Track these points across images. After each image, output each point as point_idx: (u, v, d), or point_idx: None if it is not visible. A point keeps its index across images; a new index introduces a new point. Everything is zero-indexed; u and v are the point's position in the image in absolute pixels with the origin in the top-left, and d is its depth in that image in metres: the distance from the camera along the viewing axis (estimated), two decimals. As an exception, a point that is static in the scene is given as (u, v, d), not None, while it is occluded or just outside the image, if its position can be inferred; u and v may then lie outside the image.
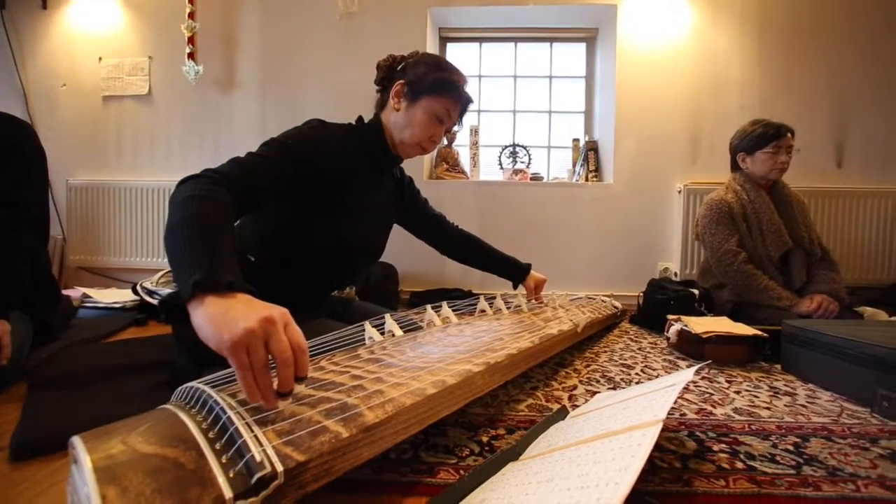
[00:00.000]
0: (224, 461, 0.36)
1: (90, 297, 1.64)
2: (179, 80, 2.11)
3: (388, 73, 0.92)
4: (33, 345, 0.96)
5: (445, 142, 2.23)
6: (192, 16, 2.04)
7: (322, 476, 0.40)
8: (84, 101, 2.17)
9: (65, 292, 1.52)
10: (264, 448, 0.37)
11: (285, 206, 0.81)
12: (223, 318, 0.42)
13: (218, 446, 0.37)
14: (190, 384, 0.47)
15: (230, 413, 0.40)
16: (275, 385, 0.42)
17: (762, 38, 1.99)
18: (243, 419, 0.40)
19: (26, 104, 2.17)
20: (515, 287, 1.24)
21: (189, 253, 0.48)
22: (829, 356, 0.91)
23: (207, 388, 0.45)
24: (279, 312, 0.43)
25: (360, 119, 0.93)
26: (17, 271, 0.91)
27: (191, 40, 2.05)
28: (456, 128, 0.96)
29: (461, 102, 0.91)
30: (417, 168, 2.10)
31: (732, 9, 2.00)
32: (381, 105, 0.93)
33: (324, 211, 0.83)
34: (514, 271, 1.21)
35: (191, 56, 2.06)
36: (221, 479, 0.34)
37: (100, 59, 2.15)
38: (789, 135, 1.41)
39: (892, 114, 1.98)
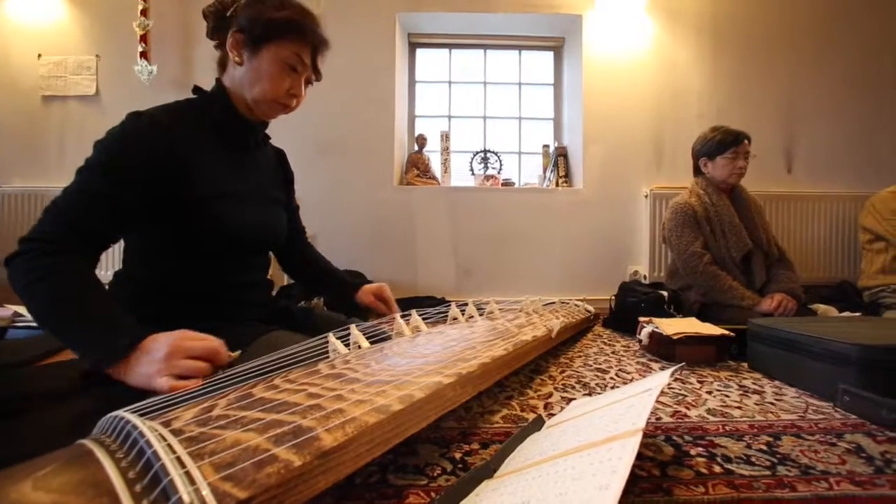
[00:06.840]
0: (145, 507, 0.30)
1: (22, 315, 1.48)
2: (131, 80, 1.98)
3: (219, 21, 0.76)
4: (-56, 371, 0.84)
5: (416, 147, 2.19)
6: (144, 13, 1.93)
7: (269, 513, 0.35)
8: (20, 101, 2.00)
9: (-9, 310, 1.36)
10: (197, 487, 0.31)
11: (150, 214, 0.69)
12: (143, 381, 0.50)
13: (139, 488, 0.31)
14: (115, 413, 0.41)
15: (157, 447, 0.34)
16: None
17: (716, 52, 2.10)
18: (173, 453, 0.34)
19: (-48, 104, 1.97)
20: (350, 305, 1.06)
21: (74, 340, 0.53)
22: (791, 353, 0.93)
23: (133, 418, 0.39)
24: (171, 339, 0.52)
25: (196, 89, 0.77)
26: None
27: (143, 38, 1.93)
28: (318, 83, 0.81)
29: (311, 44, 0.75)
30: (387, 173, 2.05)
31: (689, 23, 2.10)
32: (222, 64, 0.78)
33: (188, 203, 0.69)
34: (346, 289, 1.05)
35: (143, 55, 1.94)
36: (139, 530, 0.28)
37: (39, 55, 1.98)
38: (746, 141, 1.47)
39: (836, 124, 2.13)
